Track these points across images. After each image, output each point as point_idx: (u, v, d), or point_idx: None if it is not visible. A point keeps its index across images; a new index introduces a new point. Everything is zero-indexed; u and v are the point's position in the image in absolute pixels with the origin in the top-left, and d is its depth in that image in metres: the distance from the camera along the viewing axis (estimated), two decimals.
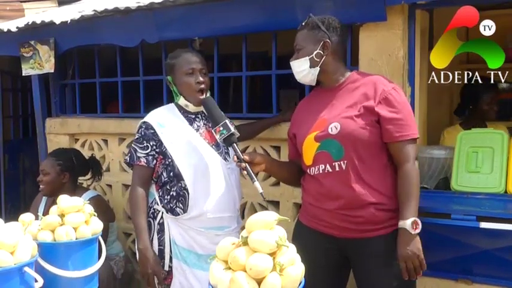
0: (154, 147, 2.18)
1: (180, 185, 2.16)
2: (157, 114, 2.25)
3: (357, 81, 1.97)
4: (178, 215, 2.16)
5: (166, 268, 2.18)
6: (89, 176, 3.31)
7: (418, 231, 1.82)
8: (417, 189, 1.89)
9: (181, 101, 2.24)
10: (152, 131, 2.18)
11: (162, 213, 2.19)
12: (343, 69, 2.02)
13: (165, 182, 2.19)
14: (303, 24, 2.00)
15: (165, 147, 2.17)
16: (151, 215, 2.22)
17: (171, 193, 2.18)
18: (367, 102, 1.88)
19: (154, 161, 2.18)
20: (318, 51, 1.94)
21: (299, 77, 2.03)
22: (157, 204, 2.20)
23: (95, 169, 3.30)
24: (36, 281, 1.54)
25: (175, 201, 2.17)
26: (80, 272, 1.74)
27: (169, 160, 2.16)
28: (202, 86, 2.19)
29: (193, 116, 2.26)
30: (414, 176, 1.88)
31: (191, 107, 2.24)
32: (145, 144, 2.17)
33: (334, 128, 1.89)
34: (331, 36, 1.95)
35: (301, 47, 1.98)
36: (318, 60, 1.95)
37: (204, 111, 2.25)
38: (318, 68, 1.96)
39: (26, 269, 1.50)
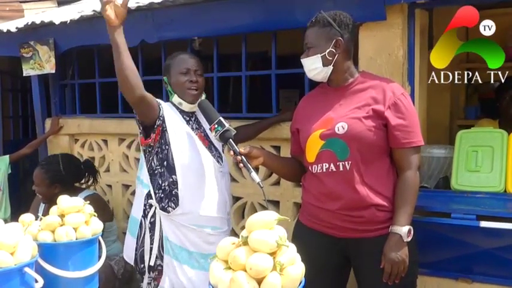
0: (160, 115, 2.16)
1: (171, 179, 2.16)
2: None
3: (366, 83, 1.96)
4: (170, 212, 2.16)
5: (152, 263, 2.18)
6: (84, 179, 3.30)
7: (410, 239, 1.84)
8: (415, 197, 1.89)
9: (175, 99, 2.25)
10: (160, 106, 2.18)
11: (155, 208, 2.18)
12: (353, 68, 2.00)
13: (155, 173, 2.19)
14: (313, 21, 1.95)
15: (166, 128, 2.16)
16: (144, 213, 2.21)
17: (162, 187, 2.17)
18: (376, 105, 1.88)
19: (158, 112, 2.15)
20: (330, 49, 1.91)
21: (311, 75, 2.00)
22: (151, 198, 2.19)
23: (90, 173, 3.30)
24: (36, 281, 1.54)
25: (167, 200, 2.16)
26: (80, 273, 1.73)
27: (166, 147, 2.16)
28: (195, 85, 2.22)
29: (188, 118, 2.27)
30: (414, 184, 1.89)
31: (185, 106, 2.25)
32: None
33: (341, 128, 1.89)
34: (343, 33, 1.92)
35: (312, 45, 1.95)
36: (331, 58, 1.92)
37: (196, 114, 2.29)
38: (331, 67, 1.94)
39: (26, 269, 1.50)
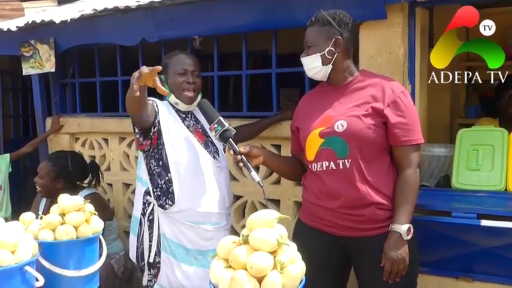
0: (156, 120, 2.15)
1: (167, 178, 2.17)
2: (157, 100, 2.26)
3: (365, 81, 1.96)
4: (168, 209, 2.17)
5: (151, 260, 2.20)
6: (87, 180, 3.31)
7: (410, 237, 1.84)
8: (415, 196, 1.90)
9: (172, 99, 2.26)
10: (156, 106, 2.17)
11: (153, 205, 2.20)
12: (352, 67, 2.01)
13: (153, 173, 2.20)
14: (313, 20, 1.96)
15: (161, 129, 2.16)
16: (143, 210, 2.23)
17: (159, 186, 2.18)
18: (376, 103, 1.88)
19: (154, 118, 2.13)
20: (330, 48, 1.92)
21: (311, 74, 2.01)
22: (150, 195, 2.21)
23: (94, 174, 3.31)
24: (37, 280, 1.54)
25: (164, 197, 2.17)
26: (80, 271, 1.74)
27: (160, 147, 2.17)
28: (192, 86, 2.23)
29: (184, 116, 2.27)
30: (414, 183, 1.89)
31: (181, 106, 2.25)
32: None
33: (340, 126, 1.89)
34: (342, 32, 1.92)
35: (312, 44, 1.95)
36: (330, 57, 1.93)
37: (193, 112, 2.30)
38: (330, 66, 1.94)
39: (27, 268, 1.50)
